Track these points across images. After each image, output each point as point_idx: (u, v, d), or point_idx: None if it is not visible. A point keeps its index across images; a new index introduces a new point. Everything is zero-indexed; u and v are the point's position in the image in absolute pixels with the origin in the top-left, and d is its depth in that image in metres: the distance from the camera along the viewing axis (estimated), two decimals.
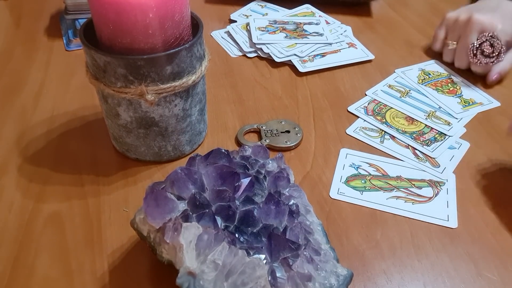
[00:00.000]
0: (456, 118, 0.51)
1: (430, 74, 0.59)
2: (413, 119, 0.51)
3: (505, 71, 0.56)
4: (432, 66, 0.61)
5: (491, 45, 0.54)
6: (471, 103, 0.54)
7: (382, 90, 0.56)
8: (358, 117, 0.51)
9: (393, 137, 0.48)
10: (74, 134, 0.48)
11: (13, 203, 0.40)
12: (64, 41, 0.64)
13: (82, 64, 0.42)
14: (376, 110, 0.52)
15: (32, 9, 0.73)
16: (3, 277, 0.34)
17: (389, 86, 0.57)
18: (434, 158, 0.46)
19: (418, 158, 0.46)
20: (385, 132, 0.49)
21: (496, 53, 0.54)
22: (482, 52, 0.54)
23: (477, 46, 0.55)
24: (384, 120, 0.51)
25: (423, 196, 0.42)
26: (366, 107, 0.53)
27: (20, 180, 0.42)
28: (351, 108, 0.52)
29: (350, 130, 0.49)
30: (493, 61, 0.54)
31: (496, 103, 0.54)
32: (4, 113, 0.51)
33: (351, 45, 0.64)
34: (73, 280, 0.34)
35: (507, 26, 0.55)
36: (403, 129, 0.49)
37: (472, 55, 0.55)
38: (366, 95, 0.55)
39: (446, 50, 0.60)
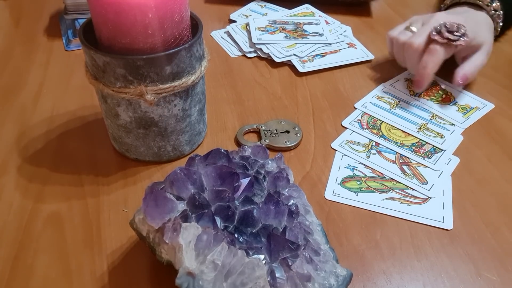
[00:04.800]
0: (461, 128, 0.50)
1: None
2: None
3: (472, 75, 0.53)
4: None
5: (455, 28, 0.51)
6: (468, 109, 0.52)
7: (371, 102, 0.53)
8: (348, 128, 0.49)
9: (379, 152, 0.46)
10: (73, 134, 0.48)
11: (12, 203, 0.40)
12: (64, 41, 0.64)
13: (82, 64, 0.42)
14: (370, 123, 0.50)
15: (31, 9, 0.73)
16: (2, 277, 0.34)
17: (378, 97, 0.54)
18: (422, 174, 0.44)
19: (405, 175, 0.44)
20: (371, 146, 0.47)
21: (461, 33, 0.51)
22: (447, 30, 0.51)
23: (443, 24, 0.51)
24: (380, 133, 0.49)
25: (419, 198, 0.42)
26: (360, 120, 0.50)
27: (19, 180, 0.42)
28: (345, 123, 0.50)
29: (337, 142, 0.47)
30: (457, 39, 0.50)
31: (490, 105, 0.53)
32: (4, 113, 0.51)
33: (351, 45, 0.64)
34: (72, 280, 0.34)
35: (470, 28, 0.52)
36: (401, 142, 0.48)
37: (435, 32, 0.51)
38: (355, 108, 0.52)
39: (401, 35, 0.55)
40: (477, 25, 0.54)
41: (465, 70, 0.53)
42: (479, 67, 0.53)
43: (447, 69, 0.60)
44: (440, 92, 0.55)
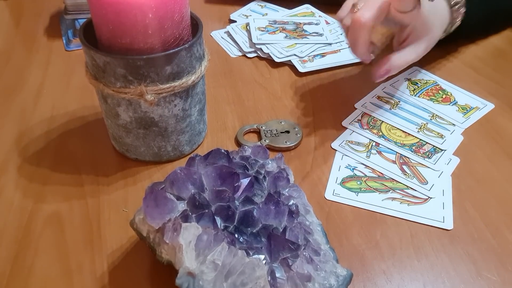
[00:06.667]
0: (461, 128, 0.49)
1: (417, 83, 0.57)
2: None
3: (396, 69, 0.47)
4: (416, 73, 0.58)
5: None
6: (468, 109, 0.52)
7: (371, 102, 0.53)
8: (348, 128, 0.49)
9: (379, 152, 0.46)
10: (73, 134, 0.48)
11: (12, 203, 0.40)
12: (64, 41, 0.64)
13: (82, 64, 0.42)
14: (370, 123, 0.50)
15: (32, 9, 0.73)
16: (2, 277, 0.34)
17: (378, 97, 0.54)
18: (422, 174, 0.44)
19: (406, 175, 0.44)
20: (371, 146, 0.46)
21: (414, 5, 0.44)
22: None
23: None
24: (380, 134, 0.48)
25: (419, 198, 0.42)
26: (360, 120, 0.50)
27: (19, 180, 0.42)
28: (345, 123, 0.50)
29: (337, 142, 0.47)
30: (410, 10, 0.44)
31: (490, 105, 0.53)
32: (4, 113, 0.51)
33: None
34: (72, 280, 0.34)
35: (424, 8, 0.46)
36: (402, 142, 0.47)
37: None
38: (355, 108, 0.52)
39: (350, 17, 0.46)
40: (433, 9, 0.47)
41: (391, 64, 0.47)
42: (409, 62, 0.48)
43: (447, 68, 0.60)
44: (440, 92, 0.55)
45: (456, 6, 0.50)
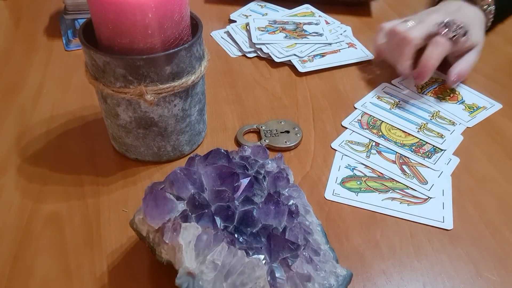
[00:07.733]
0: (465, 125, 0.50)
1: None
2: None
3: (466, 72, 0.54)
4: None
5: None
6: (475, 108, 0.52)
7: (371, 102, 0.53)
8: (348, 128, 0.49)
9: (379, 152, 0.46)
10: (73, 134, 0.48)
11: (12, 203, 0.40)
12: (64, 41, 0.64)
13: (82, 64, 0.42)
14: (370, 122, 0.50)
15: (31, 9, 0.73)
16: (2, 277, 0.34)
17: (378, 97, 0.54)
18: (422, 174, 0.44)
19: (405, 175, 0.44)
20: (371, 146, 0.47)
21: (464, 32, 0.52)
22: (454, 28, 0.52)
23: (447, 22, 0.52)
24: (380, 133, 0.49)
25: (419, 198, 0.42)
26: (360, 120, 0.50)
27: (19, 180, 0.42)
28: (345, 123, 0.50)
29: (337, 142, 0.47)
30: (463, 35, 0.51)
31: (498, 105, 0.53)
32: (4, 113, 0.51)
33: (350, 45, 0.64)
34: (72, 280, 0.34)
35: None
36: (402, 142, 0.47)
37: (443, 26, 0.52)
38: (355, 108, 0.52)
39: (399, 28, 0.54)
40: (471, 24, 0.54)
41: (459, 68, 0.53)
42: (472, 65, 0.54)
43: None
44: (448, 90, 0.56)
45: (488, 7, 0.57)
